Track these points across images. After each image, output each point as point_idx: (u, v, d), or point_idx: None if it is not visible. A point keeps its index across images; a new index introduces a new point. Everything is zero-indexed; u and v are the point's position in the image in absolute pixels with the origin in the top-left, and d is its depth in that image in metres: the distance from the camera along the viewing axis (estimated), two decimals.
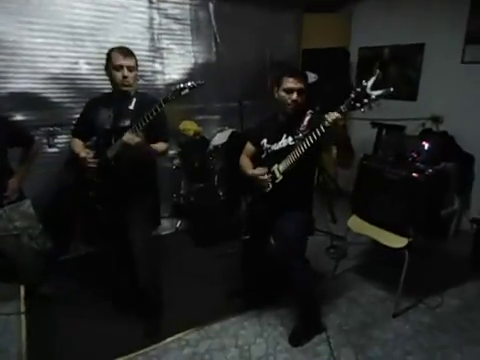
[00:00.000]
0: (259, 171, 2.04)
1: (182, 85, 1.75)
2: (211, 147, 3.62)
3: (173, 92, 1.76)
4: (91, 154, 2.05)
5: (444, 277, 2.69)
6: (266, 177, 1.99)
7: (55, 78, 3.05)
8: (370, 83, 1.56)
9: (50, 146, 3.16)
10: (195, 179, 3.49)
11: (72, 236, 3.04)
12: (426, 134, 3.40)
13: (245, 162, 2.24)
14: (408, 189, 2.28)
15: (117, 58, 1.95)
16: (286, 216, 2.02)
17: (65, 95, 3.13)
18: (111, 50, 2.00)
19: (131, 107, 2.00)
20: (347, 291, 2.60)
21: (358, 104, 1.59)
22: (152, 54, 3.48)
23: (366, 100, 1.56)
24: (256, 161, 2.20)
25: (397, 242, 2.29)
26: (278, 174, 1.97)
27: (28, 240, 2.21)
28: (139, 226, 2.11)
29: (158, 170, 3.39)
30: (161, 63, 3.55)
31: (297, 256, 2.00)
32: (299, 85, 1.93)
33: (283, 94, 1.96)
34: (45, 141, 3.13)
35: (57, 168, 3.07)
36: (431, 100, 3.61)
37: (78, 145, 2.16)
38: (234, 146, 3.21)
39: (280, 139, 2.03)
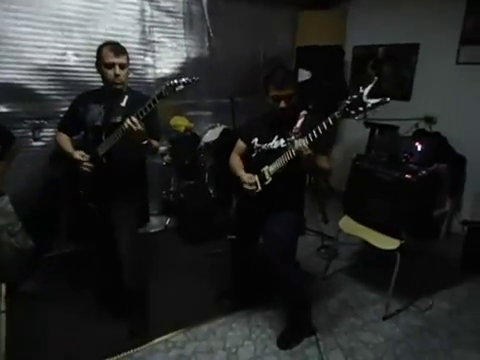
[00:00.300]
0: (247, 178, 1.98)
1: (177, 81, 1.67)
2: (202, 144, 3.56)
3: (167, 88, 1.68)
4: (87, 157, 1.97)
5: (435, 279, 2.67)
6: (253, 187, 1.95)
7: (42, 69, 2.95)
8: (367, 91, 1.52)
9: (35, 139, 3.05)
10: (185, 176, 3.42)
11: (57, 233, 2.95)
12: (419, 135, 3.38)
13: (235, 161, 2.18)
14: (401, 190, 2.25)
15: (108, 56, 1.88)
16: (275, 217, 1.97)
17: (52, 87, 3.02)
18: (102, 47, 1.93)
19: (123, 104, 1.95)
20: (338, 292, 2.57)
21: (353, 111, 1.54)
22: (143, 47, 3.39)
23: (361, 108, 1.52)
24: (247, 160, 2.15)
25: (389, 244, 2.26)
26: (268, 176, 1.92)
27: (7, 237, 2.13)
28: (127, 225, 2.05)
29: (147, 167, 3.38)
30: (152, 57, 3.46)
31: (287, 258, 1.95)
32: (286, 92, 1.86)
33: (271, 102, 1.92)
34: (30, 134, 3.03)
35: (42, 162, 2.97)
36: (425, 101, 3.59)
37: (66, 141, 2.09)
38: (226, 143, 3.14)
39: (271, 140, 1.98)
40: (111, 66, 1.88)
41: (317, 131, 1.66)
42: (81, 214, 2.22)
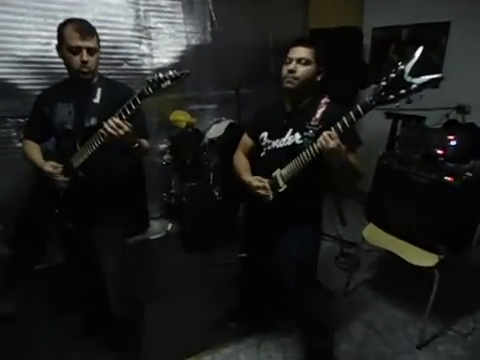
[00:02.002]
0: (256, 183, 1.62)
1: (162, 75, 1.32)
2: (206, 141, 3.22)
3: (150, 84, 1.33)
4: (59, 168, 1.61)
5: (474, 297, 2.30)
6: (265, 192, 1.59)
7: (24, 61, 2.65)
8: (409, 66, 1.16)
9: (20, 140, 2.75)
10: (187, 177, 3.09)
11: (45, 243, 2.66)
12: (451, 126, 2.98)
13: (240, 161, 1.83)
14: (439, 196, 1.88)
15: (72, 38, 1.49)
16: (292, 234, 1.62)
17: (36, 81, 2.71)
18: (63, 25, 1.53)
19: (96, 100, 1.60)
20: (362, 312, 2.22)
21: (392, 96, 1.19)
22: (138, 34, 3.05)
23: (403, 90, 1.16)
24: (254, 159, 1.80)
25: (424, 259, 1.90)
26: (281, 182, 1.55)
27: None
28: (112, 248, 1.73)
29: (146, 166, 3.08)
30: (148, 45, 3.12)
31: (307, 282, 1.63)
32: (301, 55, 1.53)
33: (283, 70, 1.57)
34: (14, 134, 2.74)
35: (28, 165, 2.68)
36: (456, 88, 3.14)
37: (33, 150, 1.72)
38: (232, 139, 2.81)
39: (284, 135, 1.61)
40: (77, 51, 1.50)
41: (347, 122, 1.29)
42: (61, 235, 1.89)
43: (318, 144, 1.36)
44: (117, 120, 1.40)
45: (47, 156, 1.72)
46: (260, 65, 3.60)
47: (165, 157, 3.25)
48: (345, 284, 2.38)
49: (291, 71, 1.52)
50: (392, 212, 2.09)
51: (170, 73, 1.33)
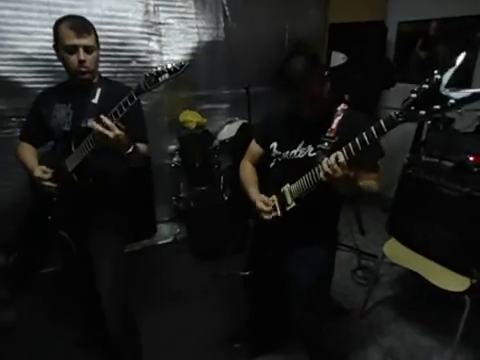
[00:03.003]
0: (260, 205, 1.45)
1: (160, 68, 1.21)
2: (217, 142, 3.06)
3: (147, 79, 1.23)
4: (49, 174, 1.52)
5: None
6: (270, 216, 1.41)
7: (28, 59, 2.54)
8: (447, 77, 0.95)
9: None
10: (196, 181, 2.94)
11: (47, 248, 2.57)
12: None
13: (247, 173, 1.65)
14: (473, 212, 1.66)
15: (68, 36, 1.42)
16: (303, 255, 1.44)
17: (41, 79, 2.60)
18: (58, 23, 1.46)
19: (95, 101, 1.51)
20: (381, 337, 2.01)
21: (423, 112, 0.97)
22: (147, 30, 2.90)
23: (438, 106, 0.94)
24: (263, 170, 1.62)
25: (454, 284, 1.69)
26: (290, 199, 1.37)
27: None
28: (109, 259, 1.59)
29: (155, 168, 2.95)
30: (158, 41, 2.96)
31: (320, 309, 1.46)
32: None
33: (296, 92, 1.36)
34: (18, 134, 2.64)
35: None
36: None
37: (28, 154, 1.65)
38: (245, 141, 2.66)
39: (296, 146, 1.43)
40: (73, 50, 1.42)
41: (367, 139, 1.08)
42: (56, 243, 1.78)
43: (321, 174, 1.16)
44: (107, 121, 1.27)
45: (43, 159, 1.63)
46: (276, 62, 3.40)
47: (174, 159, 3.10)
48: (363, 302, 2.18)
49: (311, 96, 1.31)
50: (417, 227, 1.88)
51: (168, 66, 1.22)
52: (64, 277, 2.00)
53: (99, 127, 1.27)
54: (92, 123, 1.29)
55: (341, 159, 1.09)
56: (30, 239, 2.48)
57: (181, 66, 1.21)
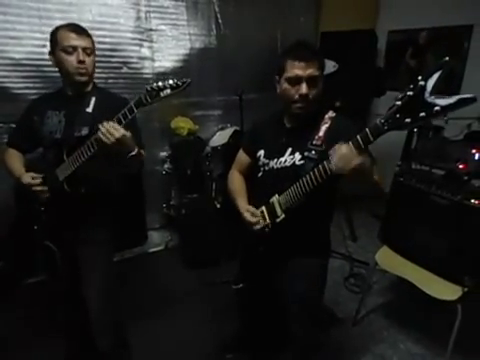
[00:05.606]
0: (248, 217, 1.41)
1: (161, 83, 1.23)
2: (208, 149, 3.04)
3: (149, 93, 1.24)
4: (38, 180, 1.49)
5: None
6: (258, 227, 1.39)
7: (17, 64, 2.51)
8: (431, 83, 0.93)
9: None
10: (187, 188, 2.92)
11: (32, 257, 2.51)
12: (473, 138, 2.74)
13: (235, 183, 1.60)
14: (464, 220, 1.67)
15: (68, 37, 1.41)
16: (296, 267, 1.41)
17: (30, 85, 2.57)
18: (57, 29, 1.46)
19: (89, 109, 1.49)
20: (373, 345, 2.01)
21: (408, 119, 0.95)
22: (138, 36, 2.89)
23: (423, 113, 0.93)
24: (253, 180, 1.60)
25: (446, 292, 1.69)
26: (279, 210, 1.34)
27: None
28: (99, 272, 1.56)
29: (145, 175, 2.92)
30: (149, 47, 2.96)
31: (315, 322, 1.43)
32: (309, 71, 1.24)
33: (286, 86, 1.30)
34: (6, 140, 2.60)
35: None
36: (479, 96, 2.93)
37: (15, 160, 1.60)
38: (237, 148, 2.64)
39: (283, 154, 1.38)
40: (72, 50, 1.41)
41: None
42: (41, 254, 1.74)
43: (332, 165, 1.10)
44: (114, 123, 1.27)
45: (31, 167, 1.58)
46: (268, 69, 3.41)
47: (165, 166, 3.08)
48: (355, 310, 2.17)
49: (303, 96, 1.26)
50: (409, 235, 1.88)
51: (170, 82, 1.23)
52: (49, 288, 1.95)
53: (106, 125, 1.26)
54: (98, 124, 1.28)
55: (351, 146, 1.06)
56: (15, 249, 2.43)
57: (183, 83, 1.23)
